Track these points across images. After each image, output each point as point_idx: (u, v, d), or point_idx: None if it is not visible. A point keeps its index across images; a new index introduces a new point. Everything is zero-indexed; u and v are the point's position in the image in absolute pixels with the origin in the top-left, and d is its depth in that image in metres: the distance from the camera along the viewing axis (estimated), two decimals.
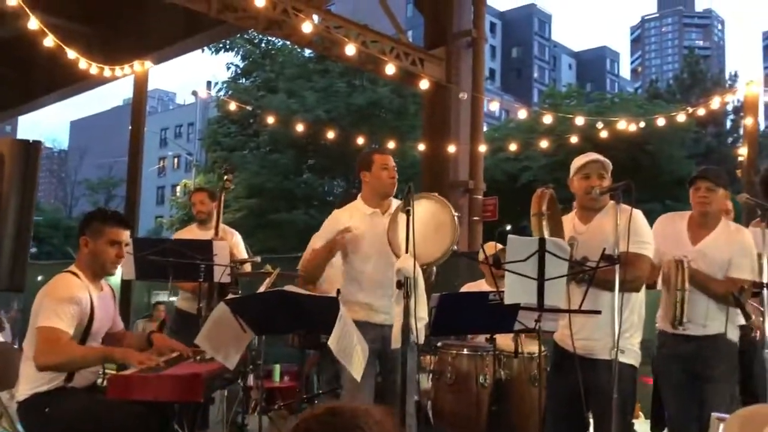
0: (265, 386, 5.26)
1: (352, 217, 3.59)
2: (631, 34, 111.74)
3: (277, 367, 5.73)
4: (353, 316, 3.12)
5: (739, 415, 0.84)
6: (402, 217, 3.04)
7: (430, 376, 4.38)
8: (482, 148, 10.07)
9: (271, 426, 4.37)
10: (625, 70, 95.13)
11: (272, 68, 27.01)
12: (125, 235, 3.10)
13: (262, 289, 3.53)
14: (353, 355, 2.82)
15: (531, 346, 4.18)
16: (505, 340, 4.15)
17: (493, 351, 4.06)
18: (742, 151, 6.84)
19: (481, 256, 4.01)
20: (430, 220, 3.23)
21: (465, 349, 4.21)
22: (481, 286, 4.59)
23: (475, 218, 10.28)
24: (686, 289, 3.21)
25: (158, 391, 2.75)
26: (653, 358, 3.64)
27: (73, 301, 2.87)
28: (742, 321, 3.39)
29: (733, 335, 3.43)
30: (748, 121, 6.79)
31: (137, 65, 8.15)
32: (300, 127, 11.42)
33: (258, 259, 4.81)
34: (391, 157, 3.65)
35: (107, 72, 8.41)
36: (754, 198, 3.37)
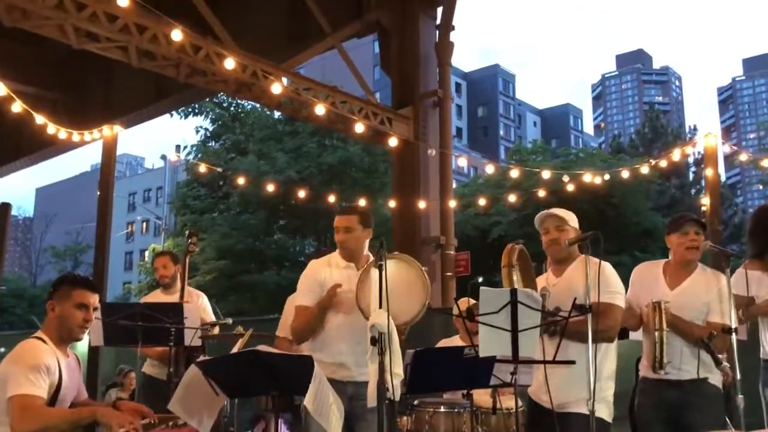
0: None
1: (331, 269, 3.56)
2: (593, 91, 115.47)
3: None
4: (325, 373, 3.07)
5: None
6: (372, 275, 3.04)
7: None
8: (452, 204, 10.16)
9: None
10: (588, 126, 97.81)
11: (242, 130, 27.23)
12: (93, 298, 3.04)
13: (234, 350, 3.46)
14: (330, 414, 2.77)
15: (509, 402, 4.14)
16: (482, 396, 4.11)
17: (470, 407, 4.01)
18: (705, 201, 7.02)
19: (455, 311, 4.00)
20: (401, 279, 3.22)
21: (442, 407, 4.15)
22: (456, 341, 4.56)
23: (447, 274, 10.28)
24: (664, 330, 3.24)
25: None
26: (636, 406, 3.61)
27: (44, 366, 2.79)
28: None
29: (716, 380, 3.40)
30: (709, 172, 6.99)
31: (106, 129, 8.14)
32: (270, 188, 11.44)
33: (229, 320, 4.74)
34: (345, 217, 3.55)
35: (76, 137, 8.39)
36: (716, 246, 3.44)
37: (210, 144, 28.18)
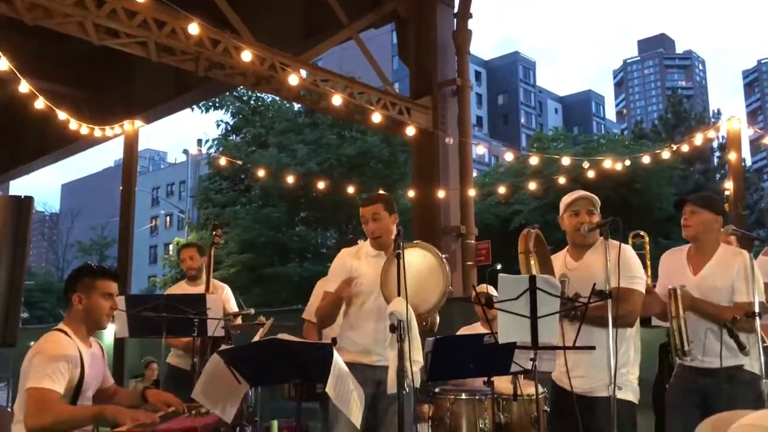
0: None
1: (359, 258, 3.59)
2: (614, 77, 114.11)
3: (275, 423, 5.65)
4: (347, 358, 3.10)
5: (708, 423, 0.84)
6: (396, 264, 3.06)
7: (430, 424, 4.32)
8: (472, 193, 10.14)
9: None
10: (610, 113, 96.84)
11: (262, 124, 27.37)
12: (116, 286, 3.11)
13: (255, 339, 3.51)
14: (351, 401, 2.79)
15: (530, 388, 4.13)
16: (503, 383, 4.11)
17: (491, 394, 4.02)
18: (728, 186, 6.94)
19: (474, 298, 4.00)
20: (421, 267, 3.23)
21: (463, 394, 4.16)
22: (477, 329, 4.57)
23: (468, 263, 10.28)
24: (681, 317, 3.19)
25: None
26: (667, 388, 3.57)
27: (64, 359, 2.84)
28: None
29: (753, 367, 3.26)
30: (732, 156, 6.91)
31: (127, 125, 8.24)
32: (291, 180, 11.50)
33: (251, 311, 4.79)
34: (370, 207, 3.56)
35: (97, 132, 8.50)
36: (739, 230, 3.39)
37: (231, 138, 28.36)
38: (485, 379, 4.08)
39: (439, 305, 3.29)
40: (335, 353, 2.67)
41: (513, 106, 70.95)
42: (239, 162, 19.32)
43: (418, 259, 3.26)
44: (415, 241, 3.41)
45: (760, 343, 3.17)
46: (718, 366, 3.26)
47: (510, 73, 70.78)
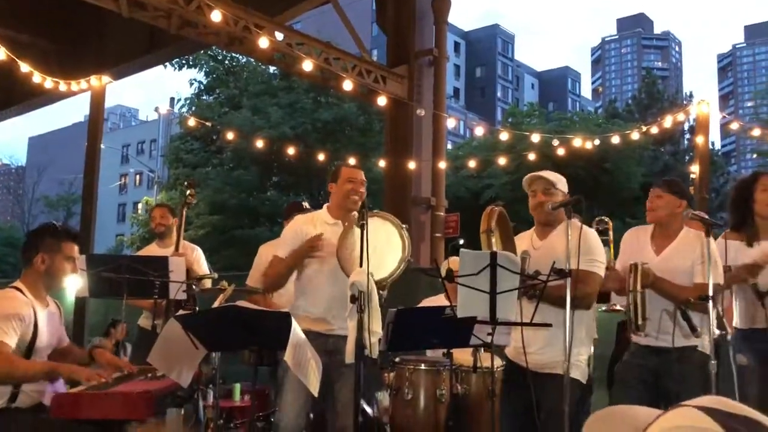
0: (225, 405, 5.20)
1: (315, 226, 3.57)
2: (592, 54, 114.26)
3: (237, 386, 5.65)
4: (300, 326, 3.10)
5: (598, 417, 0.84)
6: (354, 231, 3.05)
7: (389, 393, 4.37)
8: (442, 165, 10.14)
9: None
10: (586, 90, 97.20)
11: (236, 85, 26.97)
12: (77, 249, 3.08)
13: (215, 305, 3.49)
14: (308, 369, 2.80)
15: (489, 361, 4.21)
16: (464, 355, 4.17)
17: (450, 366, 4.08)
18: (694, 169, 7.04)
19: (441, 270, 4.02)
20: (380, 236, 3.23)
21: (422, 365, 4.22)
22: (440, 300, 4.60)
23: (437, 234, 10.33)
24: (638, 291, 3.23)
25: (106, 409, 2.69)
26: (619, 364, 3.63)
27: (17, 317, 2.81)
28: (716, 331, 3.33)
29: (706, 348, 3.32)
30: (699, 140, 6.99)
31: (94, 80, 8.04)
32: (261, 143, 11.38)
33: (215, 275, 4.77)
34: (362, 173, 3.62)
35: (63, 87, 8.29)
36: (697, 213, 3.45)
37: (204, 97, 27.92)
38: (445, 350, 4.14)
39: (397, 273, 3.29)
40: (294, 322, 2.68)
41: (490, 79, 70.83)
42: (209, 123, 19.02)
43: (377, 227, 3.25)
44: (374, 210, 3.40)
45: (714, 325, 3.23)
46: (670, 346, 3.32)
47: (489, 46, 70.50)
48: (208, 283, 4.81)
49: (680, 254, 3.43)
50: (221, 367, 4.32)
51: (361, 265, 2.89)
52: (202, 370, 3.74)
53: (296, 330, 2.69)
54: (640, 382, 3.44)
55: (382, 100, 9.35)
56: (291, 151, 11.67)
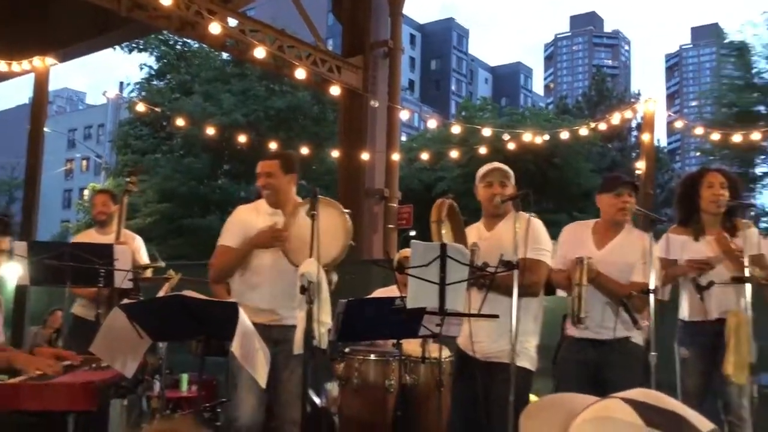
0: (172, 395, 5.13)
1: (257, 215, 3.53)
2: (545, 51, 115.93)
3: (185, 376, 5.58)
4: (251, 317, 3.07)
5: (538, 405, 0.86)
6: (298, 220, 3.03)
7: (338, 383, 4.38)
8: (396, 157, 10.17)
9: None
10: (538, 86, 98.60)
11: (188, 70, 26.45)
12: (6, 242, 2.98)
13: (161, 294, 3.43)
14: (256, 360, 2.79)
15: (438, 352, 4.25)
16: (413, 346, 4.21)
17: (399, 356, 4.11)
18: (640, 165, 7.22)
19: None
20: (323, 222, 3.18)
21: (372, 355, 4.24)
22: (393, 291, 4.62)
23: (390, 226, 10.37)
24: (583, 285, 3.31)
25: (47, 400, 2.62)
26: (557, 362, 3.72)
27: None
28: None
29: (639, 340, 3.46)
30: (646, 137, 7.18)
31: (37, 61, 7.78)
32: (212, 131, 11.20)
33: (162, 263, 4.68)
34: (266, 164, 3.52)
35: (3, 67, 7.99)
36: (642, 209, 3.55)
37: (154, 83, 27.31)
38: (394, 341, 4.17)
39: (340, 259, 3.28)
40: (241, 312, 2.65)
41: (445, 73, 71.22)
42: (158, 109, 18.61)
43: (320, 214, 3.21)
44: (318, 197, 3.36)
45: (652, 320, 3.34)
46: (609, 338, 3.42)
47: (444, 39, 70.84)
48: (149, 273, 4.72)
49: (622, 251, 3.52)
50: (168, 357, 4.27)
51: (311, 255, 2.87)
52: (148, 360, 3.67)
53: (244, 320, 2.66)
54: (579, 376, 3.52)
55: (335, 90, 9.30)
56: (243, 138, 11.52)
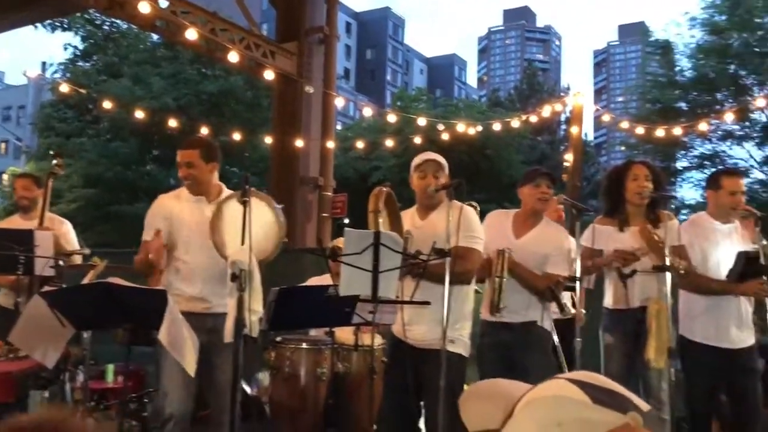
0: (97, 386, 4.97)
1: (180, 202, 3.44)
2: (479, 44, 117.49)
3: (111, 367, 5.42)
4: (179, 307, 3.00)
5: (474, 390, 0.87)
6: (227, 210, 2.97)
7: (269, 372, 4.35)
8: (330, 145, 10.12)
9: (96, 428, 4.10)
10: (472, 79, 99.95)
11: (116, 52, 25.52)
12: None
13: (85, 281, 3.31)
14: (185, 349, 2.72)
15: (370, 339, 4.27)
16: (345, 334, 4.21)
17: (332, 344, 4.10)
18: (568, 157, 7.42)
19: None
20: (255, 217, 3.11)
21: (304, 344, 4.22)
22: (326, 280, 4.60)
23: (324, 214, 10.33)
24: (504, 277, 3.44)
25: None
26: (477, 349, 3.81)
27: None
28: (557, 313, 3.66)
29: (547, 324, 3.67)
30: (574, 130, 7.38)
31: None
32: (141, 114, 10.87)
33: (87, 250, 4.51)
34: (185, 153, 3.40)
35: None
36: (569, 199, 3.65)
37: (79, 64, 26.22)
38: (327, 329, 4.16)
39: (272, 256, 3.23)
40: (170, 299, 2.58)
41: (380, 62, 71.27)
42: (84, 91, 17.90)
43: (253, 209, 3.16)
44: (251, 190, 3.30)
45: (578, 307, 3.47)
46: (518, 321, 3.60)
47: (380, 29, 70.84)
48: (77, 259, 4.55)
49: (538, 242, 3.66)
50: (93, 347, 4.13)
51: (243, 243, 2.82)
52: (71, 350, 3.55)
53: (172, 308, 2.60)
54: (495, 358, 3.67)
55: (269, 75, 9.16)
56: (173, 123, 11.22)
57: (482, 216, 3.73)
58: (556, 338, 3.80)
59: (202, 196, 3.43)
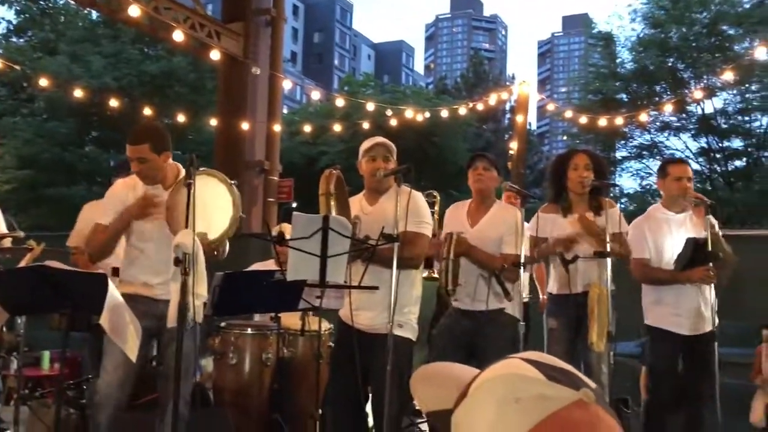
0: (32, 374, 4.81)
1: (137, 190, 3.33)
2: (426, 31, 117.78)
3: (46, 354, 5.25)
4: (129, 290, 2.92)
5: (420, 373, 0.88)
6: (182, 193, 2.90)
7: (213, 357, 4.29)
8: (277, 128, 10.00)
9: (31, 416, 3.98)
10: (419, 66, 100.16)
11: (53, 28, 24.56)
12: None
13: (21, 264, 3.18)
14: (126, 334, 2.65)
15: (318, 324, 4.25)
16: (292, 319, 4.18)
17: (277, 330, 4.07)
18: (513, 146, 7.52)
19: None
20: (210, 196, 3.06)
21: (249, 329, 4.18)
22: (270, 265, 4.56)
23: (270, 199, 10.22)
24: (450, 259, 3.47)
25: None
26: (436, 330, 3.84)
27: None
28: (525, 297, 3.68)
29: (512, 310, 3.66)
30: (519, 119, 7.49)
31: None
32: (79, 93, 10.50)
33: (21, 233, 4.33)
34: (135, 148, 3.25)
35: None
36: (514, 186, 3.71)
37: (13, 39, 25.13)
38: (272, 314, 4.12)
39: (230, 233, 3.18)
40: (110, 284, 2.51)
41: (328, 46, 70.68)
42: (18, 67, 17.16)
43: (204, 186, 3.09)
44: (203, 169, 3.22)
45: (523, 291, 3.53)
46: (483, 309, 3.62)
47: (328, 12, 70.18)
48: (7, 243, 4.37)
49: (492, 226, 3.72)
50: (27, 333, 3.99)
51: (186, 226, 2.75)
52: (4, 336, 3.42)
53: (113, 292, 2.52)
54: (455, 344, 3.70)
55: (215, 55, 8.97)
56: (113, 103, 10.88)
57: (443, 208, 3.76)
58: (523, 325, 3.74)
59: (158, 184, 3.34)
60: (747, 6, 19.78)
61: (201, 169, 2.95)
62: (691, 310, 3.78)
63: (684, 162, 4.10)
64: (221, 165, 10.02)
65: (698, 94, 13.93)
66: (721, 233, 3.80)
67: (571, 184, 3.89)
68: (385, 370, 3.08)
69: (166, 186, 3.30)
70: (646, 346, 3.85)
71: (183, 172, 3.32)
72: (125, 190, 3.35)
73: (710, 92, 19.07)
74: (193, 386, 4.32)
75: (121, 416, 3.08)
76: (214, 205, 3.00)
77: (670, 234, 3.87)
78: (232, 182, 3.12)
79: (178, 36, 8.28)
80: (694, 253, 3.67)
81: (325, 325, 4.21)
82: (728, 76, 12.98)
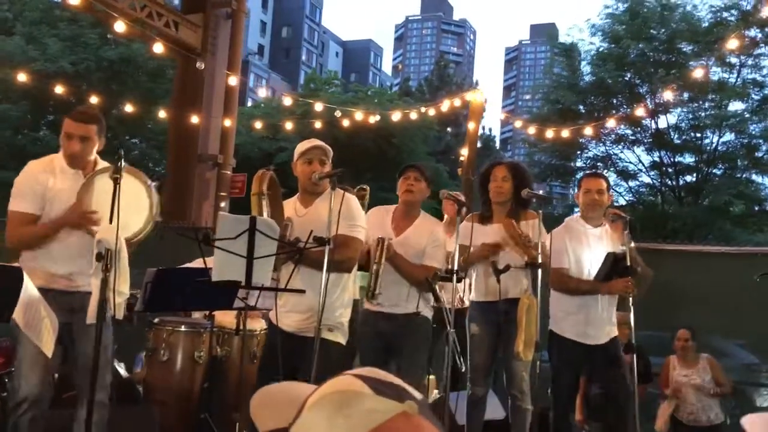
0: None
1: (54, 173, 3.21)
2: (396, 31, 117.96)
3: None
4: (39, 283, 2.85)
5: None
6: (96, 185, 2.85)
7: (145, 354, 4.25)
8: (227, 123, 9.91)
9: None
10: (387, 66, 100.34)
11: (9, 8, 23.90)
12: None
13: None
14: (42, 329, 2.60)
15: (254, 324, 4.24)
16: (227, 317, 4.16)
17: (211, 328, 4.05)
18: (464, 152, 7.59)
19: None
20: (126, 193, 2.97)
21: (182, 326, 4.14)
22: (210, 262, 4.53)
23: (222, 193, 10.13)
24: (381, 264, 3.52)
25: None
26: (356, 336, 3.87)
27: None
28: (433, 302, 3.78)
29: (427, 312, 3.79)
30: (471, 126, 7.56)
31: None
32: (24, 77, 10.25)
33: None
34: (82, 125, 3.22)
35: None
36: (452, 194, 3.77)
37: None
38: (206, 312, 4.10)
39: (142, 235, 3.12)
40: (26, 278, 2.46)
41: (296, 42, 70.24)
42: None
43: (123, 184, 3.02)
44: (125, 165, 3.16)
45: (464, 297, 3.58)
46: (400, 312, 3.71)
47: (297, 7, 69.72)
48: None
49: (416, 237, 3.78)
50: None
51: (111, 222, 2.72)
52: None
53: (28, 286, 2.47)
54: (376, 346, 3.77)
55: (158, 48, 8.72)
56: (58, 90, 10.66)
57: (371, 204, 3.78)
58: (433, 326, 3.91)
59: (80, 170, 3.24)
60: (705, 25, 20.28)
61: (125, 166, 2.90)
62: (595, 320, 3.90)
63: (597, 176, 4.22)
64: (174, 157, 9.92)
65: (640, 111, 14.28)
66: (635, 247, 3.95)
67: (491, 194, 4.04)
68: (310, 373, 3.08)
69: (85, 174, 3.20)
70: (551, 353, 3.96)
71: (100, 164, 3.26)
72: (44, 173, 3.20)
73: (664, 107, 19.54)
74: (123, 382, 4.28)
75: (44, 413, 3.02)
76: (131, 204, 2.93)
77: (589, 247, 3.97)
78: (151, 184, 3.06)
79: (119, 26, 7.95)
80: (613, 266, 3.79)
81: (262, 325, 4.20)
82: (681, 92, 13.31)
